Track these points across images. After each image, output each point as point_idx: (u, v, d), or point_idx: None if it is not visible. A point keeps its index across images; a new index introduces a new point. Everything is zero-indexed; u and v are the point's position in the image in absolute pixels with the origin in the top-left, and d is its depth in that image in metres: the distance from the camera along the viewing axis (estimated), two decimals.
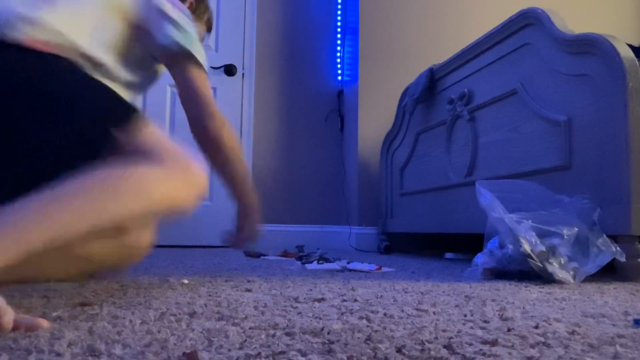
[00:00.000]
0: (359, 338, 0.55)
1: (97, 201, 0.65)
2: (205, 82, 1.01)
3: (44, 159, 0.71)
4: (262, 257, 2.06)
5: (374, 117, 2.84)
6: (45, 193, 0.62)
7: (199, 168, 0.79)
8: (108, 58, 0.89)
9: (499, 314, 0.72)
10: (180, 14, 0.97)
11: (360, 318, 0.68)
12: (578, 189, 1.33)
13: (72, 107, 0.74)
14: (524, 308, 0.78)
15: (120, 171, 0.68)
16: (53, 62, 0.78)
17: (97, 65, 0.87)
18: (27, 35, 0.77)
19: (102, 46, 0.88)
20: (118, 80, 0.93)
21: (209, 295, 0.88)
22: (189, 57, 0.97)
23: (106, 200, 0.65)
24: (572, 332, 0.59)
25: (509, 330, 0.61)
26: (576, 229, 1.18)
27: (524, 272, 1.19)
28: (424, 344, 0.52)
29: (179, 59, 0.97)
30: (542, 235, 1.18)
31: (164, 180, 0.72)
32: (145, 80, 1.02)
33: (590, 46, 1.32)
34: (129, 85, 0.96)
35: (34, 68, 0.75)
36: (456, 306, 0.79)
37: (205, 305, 0.77)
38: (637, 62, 1.24)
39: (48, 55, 0.78)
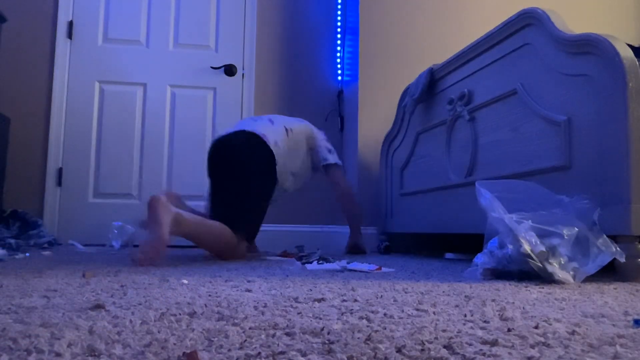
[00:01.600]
0: (359, 338, 0.55)
1: (218, 235, 1.77)
2: (343, 175, 2.31)
3: (255, 194, 1.92)
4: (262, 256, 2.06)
5: (374, 117, 2.84)
6: (208, 221, 1.75)
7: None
8: (285, 157, 2.07)
9: (499, 314, 0.72)
10: (329, 144, 2.27)
11: (360, 318, 0.68)
12: (578, 189, 1.33)
13: (271, 176, 1.99)
14: (524, 308, 0.78)
15: (228, 233, 1.78)
16: (270, 152, 1.97)
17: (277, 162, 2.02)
18: (267, 137, 1.98)
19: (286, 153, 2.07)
20: (285, 169, 2.07)
21: (209, 295, 0.88)
22: (336, 165, 2.24)
23: (218, 235, 1.77)
24: (572, 332, 0.59)
25: (509, 330, 0.61)
26: (576, 229, 1.18)
27: (524, 272, 1.19)
28: (424, 344, 0.52)
29: (332, 166, 2.23)
30: (542, 235, 1.18)
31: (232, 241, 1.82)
32: (307, 174, 2.26)
33: (590, 46, 1.32)
34: (294, 175, 2.14)
35: (266, 151, 1.96)
36: (456, 306, 0.79)
37: (205, 305, 0.77)
38: (637, 62, 1.24)
39: (268, 148, 1.96)
